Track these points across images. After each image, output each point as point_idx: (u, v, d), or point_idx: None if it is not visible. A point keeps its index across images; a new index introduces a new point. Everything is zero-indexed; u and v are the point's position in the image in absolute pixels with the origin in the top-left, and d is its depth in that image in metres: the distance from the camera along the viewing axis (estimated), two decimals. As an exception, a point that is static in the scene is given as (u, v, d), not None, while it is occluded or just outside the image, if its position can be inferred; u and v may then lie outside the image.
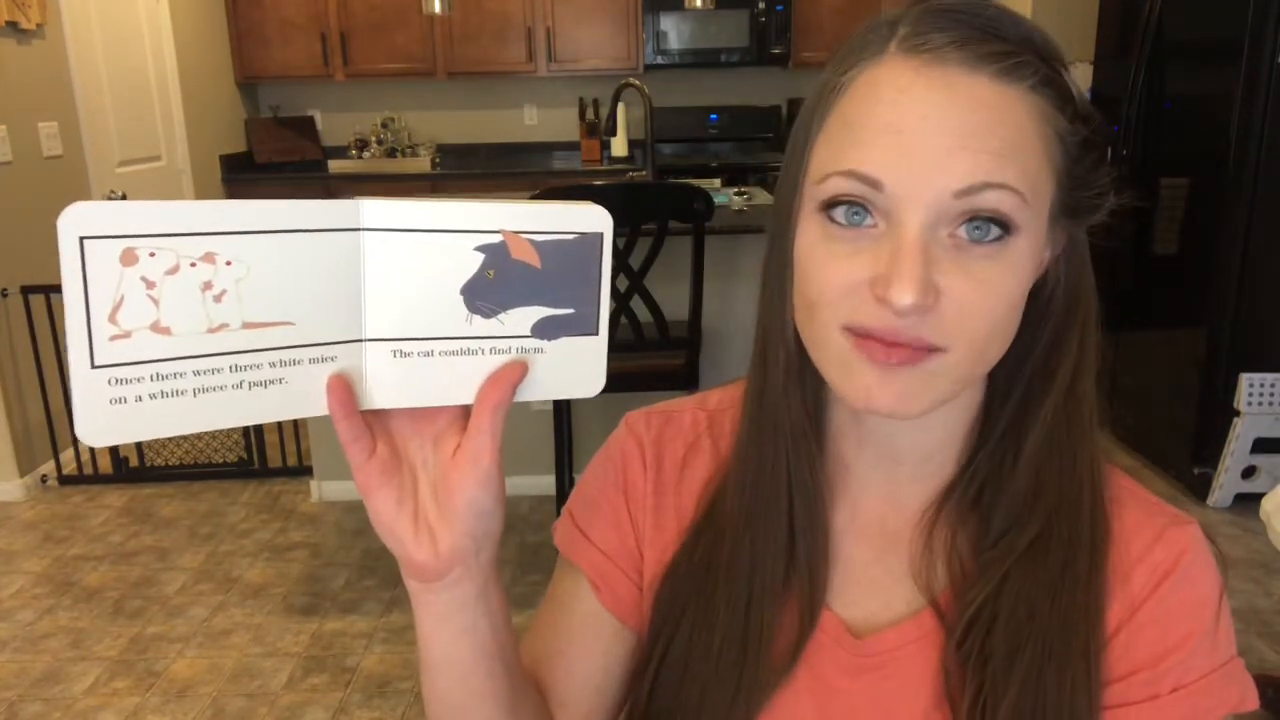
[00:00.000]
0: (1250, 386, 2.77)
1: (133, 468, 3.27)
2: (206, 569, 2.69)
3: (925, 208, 0.48)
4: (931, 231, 0.49)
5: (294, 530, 2.91)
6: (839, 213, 0.51)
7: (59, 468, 3.27)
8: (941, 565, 0.60)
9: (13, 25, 3.14)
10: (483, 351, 0.49)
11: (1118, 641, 0.57)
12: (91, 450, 3.29)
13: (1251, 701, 0.58)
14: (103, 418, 0.42)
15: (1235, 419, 2.80)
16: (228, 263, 0.43)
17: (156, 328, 0.42)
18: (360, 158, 5.00)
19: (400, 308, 0.47)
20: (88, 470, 3.29)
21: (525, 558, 2.69)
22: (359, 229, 0.45)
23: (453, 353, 0.48)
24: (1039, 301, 0.56)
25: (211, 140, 4.67)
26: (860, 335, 0.50)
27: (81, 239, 0.40)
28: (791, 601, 0.60)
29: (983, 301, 0.49)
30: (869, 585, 0.62)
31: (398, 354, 0.48)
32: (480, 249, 0.47)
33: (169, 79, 4.27)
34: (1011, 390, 0.58)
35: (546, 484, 2.84)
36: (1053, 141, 0.51)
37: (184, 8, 4.38)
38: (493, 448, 0.49)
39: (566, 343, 0.50)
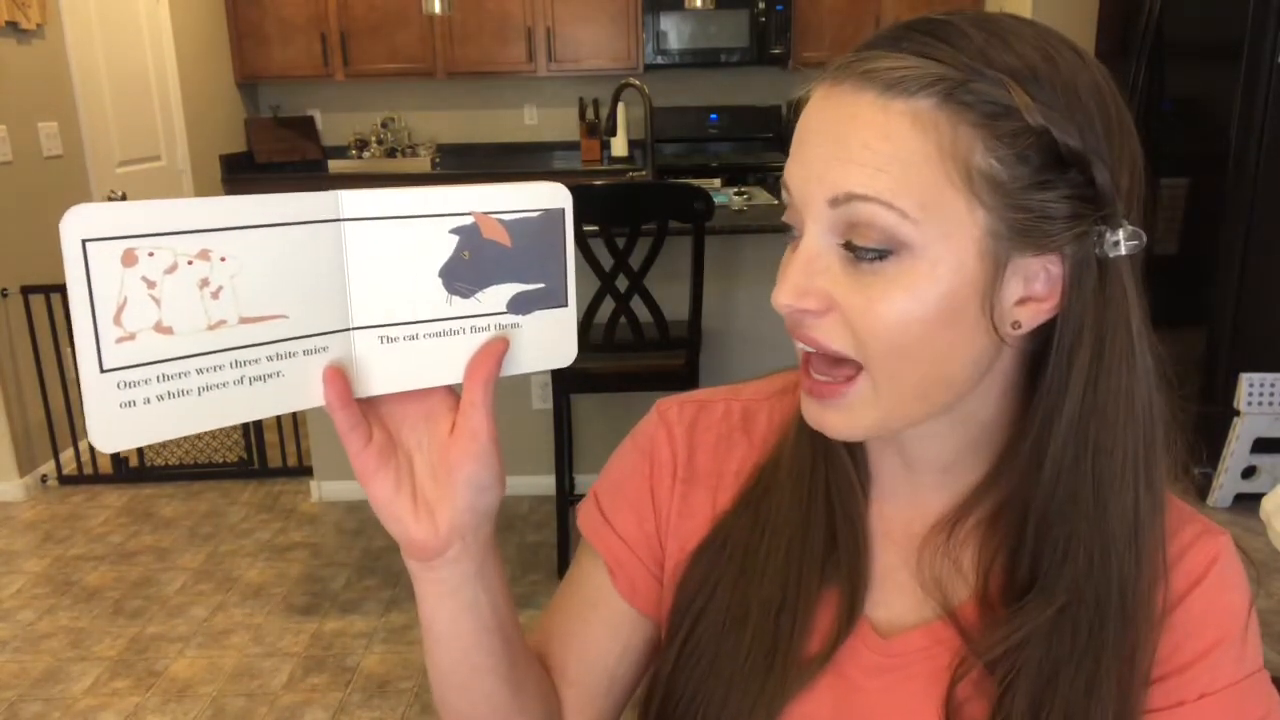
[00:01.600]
0: (1250, 386, 2.77)
1: (133, 468, 3.27)
2: (206, 569, 2.69)
3: (814, 218, 0.52)
4: (824, 240, 0.52)
5: (294, 530, 2.91)
6: (787, 232, 0.55)
7: (59, 468, 3.27)
8: (961, 578, 0.60)
9: (13, 25, 3.14)
10: (464, 331, 0.51)
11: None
12: (91, 450, 3.29)
13: (1276, 715, 0.57)
14: (116, 423, 0.42)
15: (1235, 419, 2.80)
16: (222, 259, 0.44)
17: (159, 328, 0.43)
18: (360, 158, 5.00)
19: (383, 294, 0.49)
20: (88, 470, 3.29)
21: (525, 558, 2.69)
22: (339, 219, 0.47)
23: (436, 334, 0.50)
24: (1044, 336, 0.54)
25: (211, 140, 4.67)
26: (800, 356, 0.55)
27: (84, 241, 0.40)
28: (826, 604, 0.61)
29: (868, 316, 0.50)
30: (895, 589, 0.62)
31: (384, 340, 0.49)
32: (454, 231, 0.49)
33: (169, 79, 4.27)
34: (1030, 424, 0.55)
35: (546, 484, 2.84)
36: (967, 160, 0.48)
37: (184, 8, 4.38)
38: (489, 422, 0.51)
39: (540, 316, 0.52)
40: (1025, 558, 0.57)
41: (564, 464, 2.59)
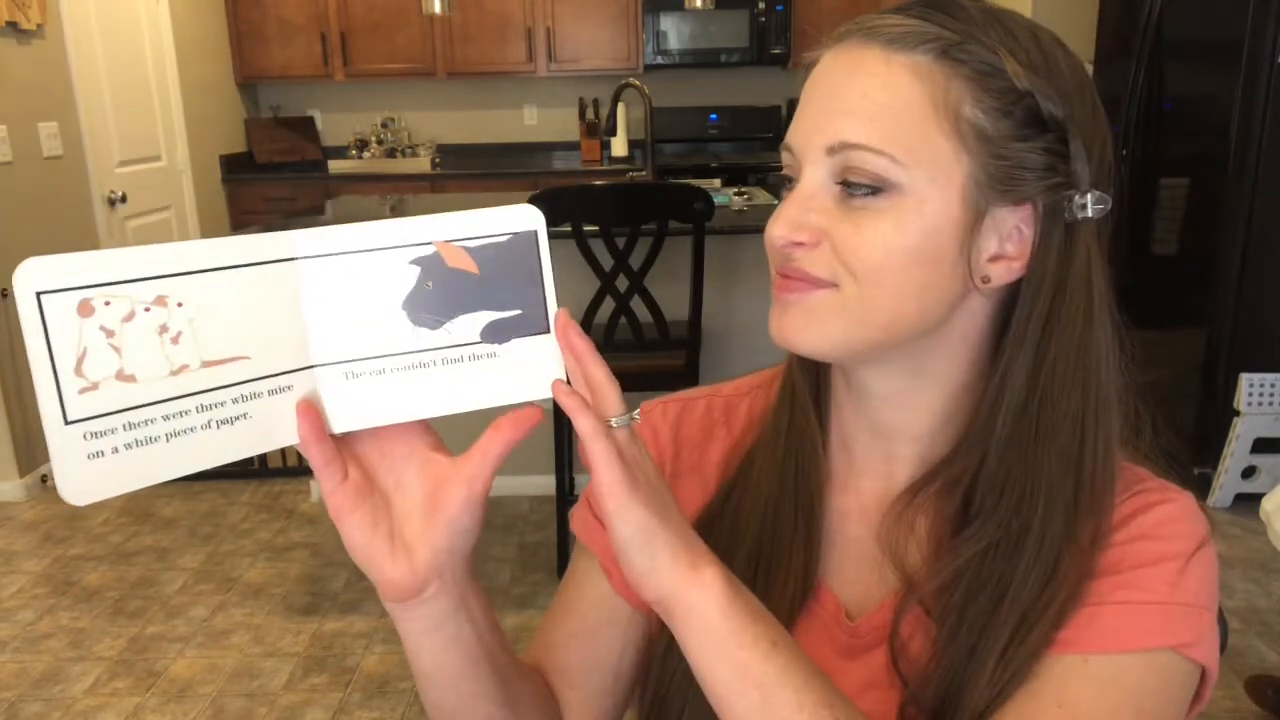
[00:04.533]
0: (1250, 386, 2.77)
1: (133, 468, 3.27)
2: (206, 569, 2.69)
3: (811, 163, 0.56)
4: (821, 183, 0.56)
5: (294, 530, 2.91)
6: (786, 184, 0.59)
7: (59, 468, 3.26)
8: (916, 545, 0.62)
9: (13, 25, 3.14)
10: (435, 363, 0.49)
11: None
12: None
13: (1204, 655, 0.55)
14: (84, 474, 0.42)
15: (1235, 419, 2.80)
16: (179, 304, 0.44)
17: (121, 376, 0.43)
18: (360, 158, 5.00)
19: (344, 330, 0.48)
20: (88, 470, 3.29)
21: (525, 558, 2.69)
22: (294, 258, 0.46)
23: (405, 368, 0.49)
24: (1012, 299, 0.57)
25: (211, 140, 4.67)
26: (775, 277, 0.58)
27: (39, 294, 0.40)
28: (791, 577, 0.63)
29: (857, 243, 0.54)
30: (865, 565, 0.63)
31: (349, 375, 0.48)
32: (415, 262, 0.48)
33: (169, 79, 4.27)
34: (992, 377, 0.58)
35: (546, 484, 2.84)
36: (957, 110, 0.53)
37: (184, 8, 4.38)
38: (488, 475, 0.50)
39: (519, 344, 0.50)
40: (971, 507, 0.59)
41: (564, 464, 2.59)
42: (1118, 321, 0.59)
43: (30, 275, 0.40)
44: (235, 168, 4.87)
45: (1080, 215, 0.55)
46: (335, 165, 4.93)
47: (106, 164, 3.73)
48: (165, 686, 2.17)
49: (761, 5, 4.70)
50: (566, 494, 2.62)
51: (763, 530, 0.63)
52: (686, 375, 2.36)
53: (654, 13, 4.75)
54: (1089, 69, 0.57)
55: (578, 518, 0.70)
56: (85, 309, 0.41)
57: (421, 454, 0.52)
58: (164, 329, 0.43)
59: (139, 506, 3.10)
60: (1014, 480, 0.57)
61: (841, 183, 0.54)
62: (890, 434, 0.63)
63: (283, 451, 3.25)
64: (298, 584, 2.60)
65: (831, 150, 0.54)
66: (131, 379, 0.43)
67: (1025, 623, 0.55)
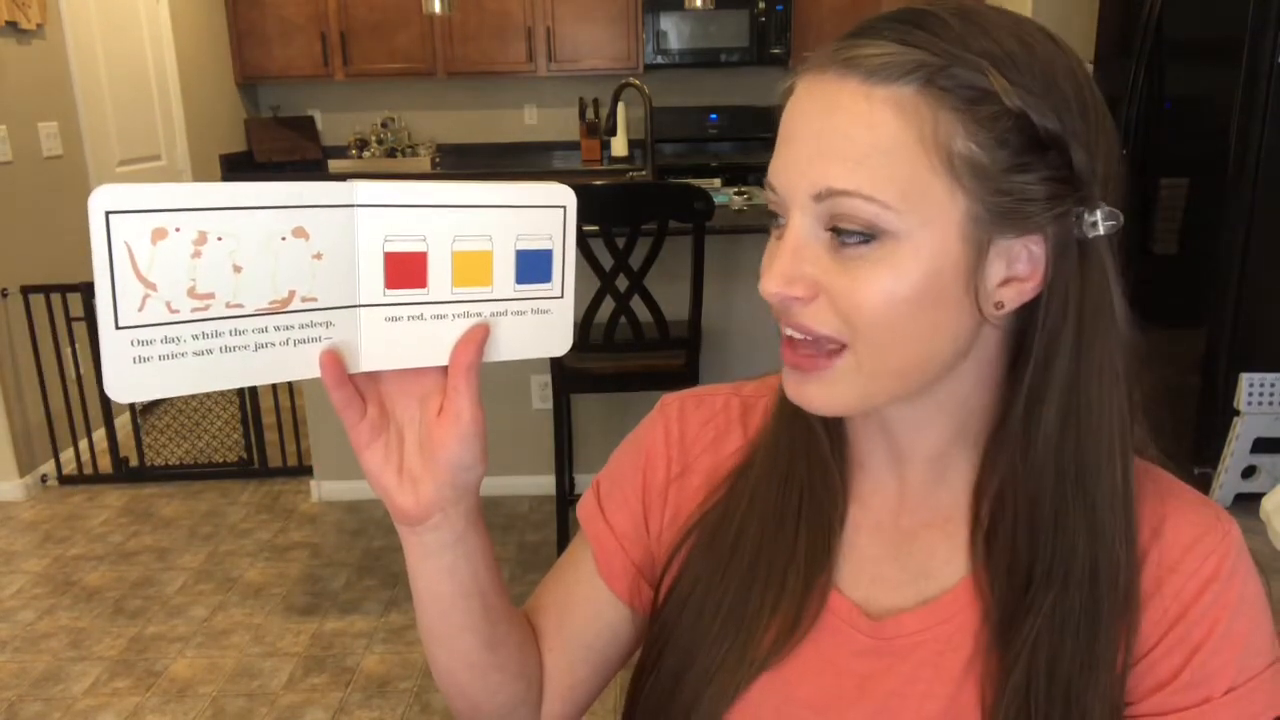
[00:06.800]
0: (1250, 386, 2.77)
1: (133, 468, 3.27)
2: (206, 569, 2.69)
3: (800, 209, 0.53)
4: (812, 231, 0.53)
5: (294, 530, 2.91)
6: (772, 220, 0.57)
7: (59, 468, 3.27)
8: (952, 565, 0.61)
9: (13, 25, 3.14)
10: (466, 315, 0.54)
11: (1164, 644, 0.57)
12: (91, 450, 3.29)
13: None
14: (128, 375, 0.46)
15: (1235, 419, 2.80)
16: (237, 236, 0.47)
17: (179, 294, 0.46)
18: (360, 157, 5.00)
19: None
20: (88, 470, 3.29)
21: (525, 557, 2.69)
22: (353, 205, 0.50)
23: (439, 316, 0.53)
24: (1025, 317, 0.55)
25: (211, 140, 4.67)
26: (783, 336, 0.56)
27: (108, 214, 0.43)
28: (794, 589, 0.62)
29: (854, 296, 0.52)
30: (882, 581, 0.63)
31: (389, 318, 0.52)
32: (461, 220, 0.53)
33: (169, 79, 4.27)
34: (1016, 402, 0.57)
35: (546, 484, 2.84)
36: (948, 146, 0.50)
37: (184, 8, 4.38)
38: (472, 406, 0.54)
39: (537, 304, 0.56)
40: (1019, 539, 0.58)
41: (564, 464, 2.59)
42: (1137, 333, 0.56)
43: (104, 196, 0.43)
44: (235, 167, 4.87)
45: (1091, 234, 0.52)
46: (335, 165, 4.94)
47: (106, 164, 3.72)
48: (165, 686, 2.17)
49: (761, 5, 4.70)
50: (566, 494, 2.62)
51: (763, 536, 0.63)
52: (686, 375, 2.36)
53: (654, 12, 4.75)
54: (1089, 69, 0.54)
55: (583, 501, 0.73)
56: (158, 234, 0.45)
57: (434, 396, 0.55)
58: (221, 258, 0.47)
59: (139, 506, 3.10)
60: (1068, 518, 0.56)
61: (832, 229, 0.52)
62: (907, 456, 0.62)
63: (283, 451, 3.25)
64: (298, 584, 2.60)
65: (818, 197, 0.51)
66: (191, 298, 0.46)
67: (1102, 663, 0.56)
